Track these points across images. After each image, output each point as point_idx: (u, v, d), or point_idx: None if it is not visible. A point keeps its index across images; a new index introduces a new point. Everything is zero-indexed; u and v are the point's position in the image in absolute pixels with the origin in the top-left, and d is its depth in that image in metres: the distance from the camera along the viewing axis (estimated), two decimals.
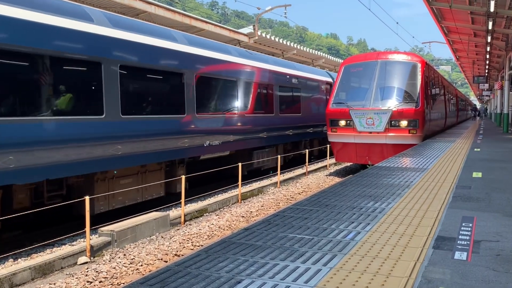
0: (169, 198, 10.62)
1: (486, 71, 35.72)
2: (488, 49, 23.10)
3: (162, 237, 8.16)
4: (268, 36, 21.74)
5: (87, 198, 7.14)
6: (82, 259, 6.82)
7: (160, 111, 9.58)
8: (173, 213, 9.45)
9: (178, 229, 8.70)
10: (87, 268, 6.43)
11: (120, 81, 8.50)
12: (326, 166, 17.85)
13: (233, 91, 12.53)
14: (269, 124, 14.53)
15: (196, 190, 11.95)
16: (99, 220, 8.58)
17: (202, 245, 7.71)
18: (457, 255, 3.37)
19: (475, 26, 20.55)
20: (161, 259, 6.92)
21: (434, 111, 16.90)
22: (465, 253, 3.41)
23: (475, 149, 11.95)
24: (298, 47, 25.22)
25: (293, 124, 16.54)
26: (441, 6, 17.50)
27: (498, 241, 3.73)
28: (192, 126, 10.54)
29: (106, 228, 7.61)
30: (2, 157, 6.37)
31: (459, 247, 3.57)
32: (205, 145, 11.00)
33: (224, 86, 12.08)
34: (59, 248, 7.25)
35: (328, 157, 18.18)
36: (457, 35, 24.54)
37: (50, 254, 6.81)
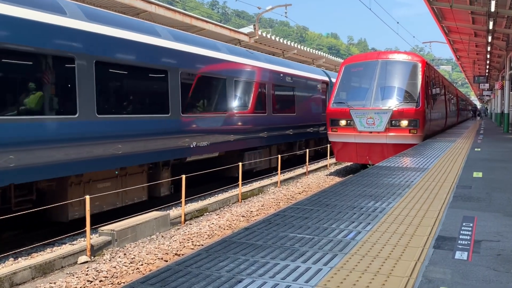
0: (153, 202, 10.21)
1: (487, 71, 35.71)
2: (489, 49, 23.08)
3: (162, 236, 8.16)
4: (268, 36, 21.74)
5: (87, 197, 7.14)
6: (83, 258, 6.82)
7: (141, 110, 9.09)
8: (173, 212, 9.45)
9: (178, 229, 8.70)
10: (88, 268, 6.43)
11: (96, 78, 8.00)
12: (326, 165, 17.84)
13: (222, 90, 12.01)
14: (262, 124, 14.06)
15: (196, 190, 11.94)
16: (75, 226, 8.08)
17: (202, 245, 7.71)
18: (458, 255, 3.37)
19: (475, 26, 20.54)
20: (162, 259, 6.93)
21: (435, 111, 16.89)
22: (466, 253, 3.41)
23: (476, 149, 11.95)
24: (299, 46, 25.22)
25: (287, 124, 16.02)
26: (441, 6, 17.49)
27: (499, 241, 3.73)
28: (177, 127, 10.06)
29: (107, 228, 7.62)
30: None
31: (460, 247, 3.57)
32: (191, 147, 10.52)
33: (212, 84, 11.59)
34: (59, 247, 7.25)
35: (328, 156, 18.18)
36: (458, 35, 24.53)
37: (50, 253, 6.81)
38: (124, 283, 6.01)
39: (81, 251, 6.91)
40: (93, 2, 13.03)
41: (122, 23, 8.85)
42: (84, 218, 8.39)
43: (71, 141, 7.48)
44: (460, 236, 3.86)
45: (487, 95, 46.85)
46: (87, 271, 6.30)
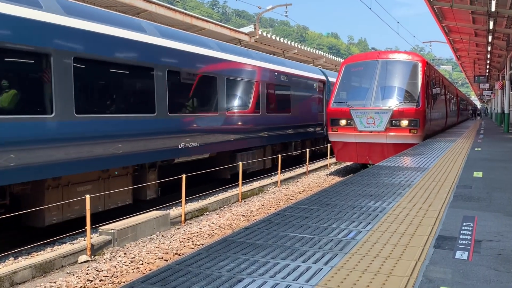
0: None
1: (487, 70, 35.71)
2: (489, 48, 23.08)
3: (162, 236, 8.16)
4: (269, 35, 21.74)
5: (87, 196, 7.14)
6: (83, 257, 6.82)
7: (125, 109, 8.64)
8: (174, 212, 9.45)
9: (178, 228, 8.70)
10: (88, 267, 6.44)
11: (75, 76, 7.56)
12: (326, 165, 17.84)
13: (213, 89, 11.52)
14: (255, 125, 13.57)
15: (196, 189, 11.94)
16: (53, 233, 7.86)
17: (202, 244, 7.71)
18: (458, 254, 3.37)
19: (476, 25, 20.53)
20: (162, 258, 6.93)
21: (435, 110, 16.89)
22: (466, 253, 3.41)
23: (476, 149, 11.95)
24: (299, 46, 25.22)
25: (282, 124, 15.51)
26: (442, 5, 17.48)
27: (499, 241, 3.72)
28: (164, 127, 9.63)
29: (107, 227, 7.62)
30: None
31: (460, 246, 3.57)
32: (179, 148, 10.08)
33: (202, 83, 11.06)
34: (59, 246, 7.25)
35: (328, 156, 18.18)
36: (458, 35, 24.53)
37: (50, 252, 6.81)
38: (124, 282, 6.01)
39: (81, 251, 6.91)
40: (93, 2, 13.03)
41: (104, 18, 8.45)
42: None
43: (47, 142, 7.02)
44: (461, 236, 3.86)
45: (487, 95, 46.85)
46: (87, 270, 6.30)
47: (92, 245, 7.02)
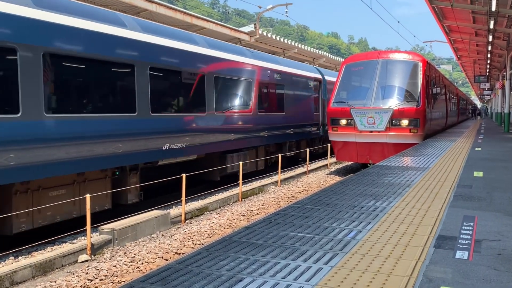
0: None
1: (487, 70, 35.70)
2: (490, 48, 23.08)
3: (162, 235, 8.16)
4: (269, 35, 21.75)
5: (88, 196, 7.14)
6: (83, 257, 6.83)
7: (102, 109, 8.17)
8: (174, 211, 9.45)
9: (178, 228, 8.70)
10: (88, 266, 6.44)
11: (44, 73, 7.07)
12: (326, 165, 17.84)
13: (200, 87, 10.95)
14: (246, 125, 13.02)
15: (196, 189, 11.94)
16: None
17: (203, 244, 7.72)
18: (458, 254, 3.37)
19: (476, 25, 20.53)
20: (162, 258, 6.93)
21: (435, 110, 16.89)
22: (466, 252, 3.40)
23: (476, 149, 11.94)
24: (299, 46, 25.23)
25: (276, 124, 14.92)
26: (442, 5, 17.48)
27: (500, 241, 3.72)
28: (146, 127, 9.12)
29: (107, 226, 7.62)
30: None
31: (460, 246, 3.57)
32: (163, 149, 9.57)
33: (188, 80, 10.53)
34: (59, 246, 7.25)
35: (328, 156, 18.17)
36: (459, 34, 24.52)
37: (50, 252, 6.81)
38: (124, 282, 6.01)
39: (82, 250, 6.92)
40: (93, 1, 13.03)
41: (78, 11, 7.93)
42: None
43: (12, 143, 6.53)
44: (461, 236, 3.85)
45: (487, 95, 46.81)
46: (88, 269, 6.30)
47: (92, 245, 7.02)
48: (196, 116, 10.73)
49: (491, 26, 17.24)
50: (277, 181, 13.65)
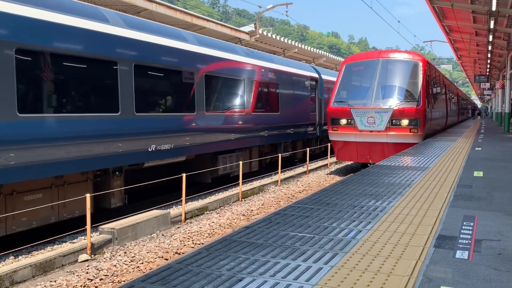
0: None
1: (488, 70, 35.71)
2: (490, 48, 23.08)
3: (162, 235, 8.16)
4: (269, 35, 21.75)
5: (88, 195, 7.14)
6: (83, 256, 6.83)
7: (81, 108, 7.77)
8: (174, 211, 9.46)
9: (178, 227, 8.70)
10: (88, 266, 6.44)
11: (17, 70, 6.65)
12: (327, 164, 17.84)
13: (189, 86, 10.52)
14: (238, 125, 12.60)
15: (196, 189, 11.94)
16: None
17: (203, 243, 7.72)
18: (459, 254, 3.37)
19: (476, 25, 20.52)
20: (162, 257, 6.93)
21: (435, 110, 16.89)
22: (467, 252, 3.40)
23: (476, 148, 11.94)
24: (299, 45, 25.23)
25: (270, 124, 14.46)
26: (442, 5, 17.47)
27: (500, 240, 3.72)
28: (130, 127, 8.72)
29: (107, 226, 7.62)
30: None
31: (461, 246, 3.57)
32: (149, 150, 9.18)
33: (176, 79, 10.12)
34: (59, 245, 7.25)
35: (329, 155, 18.17)
36: (459, 34, 24.51)
37: (50, 251, 6.81)
38: (124, 281, 6.01)
39: (82, 250, 6.92)
40: (93, 1, 13.02)
41: (56, 6, 7.51)
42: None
43: None
44: (461, 235, 3.85)
45: (488, 95, 46.82)
46: (88, 269, 6.30)
47: (92, 244, 7.02)
48: (184, 116, 10.34)
49: (492, 26, 17.24)
50: (277, 181, 13.66)
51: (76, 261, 6.78)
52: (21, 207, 7.04)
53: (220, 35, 18.00)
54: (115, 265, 6.49)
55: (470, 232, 3.97)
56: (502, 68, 30.44)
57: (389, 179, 6.97)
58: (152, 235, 8.15)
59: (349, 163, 18.34)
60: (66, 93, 7.58)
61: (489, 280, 2.85)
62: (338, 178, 14.73)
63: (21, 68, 6.77)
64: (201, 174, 11.47)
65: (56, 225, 8.29)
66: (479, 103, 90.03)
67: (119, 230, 7.54)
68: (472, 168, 8.09)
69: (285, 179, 14.27)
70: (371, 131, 13.57)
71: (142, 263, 6.67)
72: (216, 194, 11.63)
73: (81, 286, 5.79)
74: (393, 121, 13.35)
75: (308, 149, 16.61)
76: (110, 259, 6.81)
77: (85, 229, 7.35)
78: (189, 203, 10.35)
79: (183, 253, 7.18)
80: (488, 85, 37.15)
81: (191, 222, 9.15)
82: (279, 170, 13.80)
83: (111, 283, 5.95)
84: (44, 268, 6.31)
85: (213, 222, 9.02)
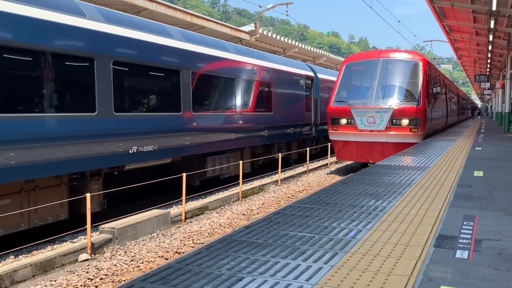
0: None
1: (488, 70, 35.69)
2: (490, 48, 23.07)
3: (163, 234, 8.17)
4: (269, 34, 21.75)
5: (88, 195, 7.14)
6: (83, 256, 6.83)
7: (54, 108, 7.29)
8: (174, 210, 9.46)
9: (179, 227, 8.71)
10: (88, 265, 6.44)
11: None
12: (327, 164, 17.85)
13: (175, 84, 10.05)
14: (229, 125, 12.12)
15: (196, 188, 11.94)
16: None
17: (203, 243, 7.72)
18: (459, 253, 3.37)
19: (477, 24, 20.51)
20: (162, 257, 6.93)
21: (436, 109, 16.89)
22: (467, 252, 3.41)
23: (476, 148, 11.94)
24: (300, 45, 25.23)
25: (263, 124, 13.99)
26: (443, 4, 17.46)
27: (500, 240, 3.72)
28: (108, 128, 8.26)
29: (107, 226, 7.62)
30: None
31: (461, 245, 3.57)
32: (130, 152, 8.71)
33: (160, 77, 9.67)
34: (60, 245, 7.26)
35: (329, 155, 18.17)
36: (459, 34, 24.50)
37: (51, 251, 6.82)
38: (124, 281, 6.02)
39: (82, 249, 6.92)
40: (94, 1, 13.02)
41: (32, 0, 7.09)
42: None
43: None
44: (461, 235, 3.85)
45: (488, 94, 46.82)
46: (88, 269, 6.31)
47: (92, 244, 7.02)
48: (169, 115, 9.85)
49: (492, 26, 17.24)
50: (277, 180, 13.66)
51: (76, 260, 6.79)
52: None
53: (220, 35, 18.00)
54: (115, 265, 6.50)
55: (470, 231, 3.97)
56: (502, 68, 30.44)
57: (389, 178, 6.97)
58: (152, 234, 8.15)
59: (349, 162, 18.35)
60: (37, 92, 7.07)
61: (489, 280, 2.85)
62: (338, 178, 14.73)
63: None
64: (188, 177, 10.67)
65: (56, 225, 8.30)
66: (479, 103, 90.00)
67: (119, 229, 7.55)
68: (472, 168, 8.09)
69: (285, 178, 14.27)
70: (371, 131, 13.57)
71: (142, 262, 6.67)
72: (216, 193, 11.63)
73: (81, 285, 5.80)
74: (393, 120, 13.35)
75: (308, 148, 16.61)
76: (110, 258, 6.82)
77: (85, 229, 7.35)
78: (189, 202, 10.35)
79: (183, 252, 7.19)
80: (488, 84, 37.14)
81: (191, 222, 9.15)
82: (279, 170, 13.80)
83: (111, 283, 5.95)
84: (44, 267, 6.31)
85: (213, 221, 9.02)
